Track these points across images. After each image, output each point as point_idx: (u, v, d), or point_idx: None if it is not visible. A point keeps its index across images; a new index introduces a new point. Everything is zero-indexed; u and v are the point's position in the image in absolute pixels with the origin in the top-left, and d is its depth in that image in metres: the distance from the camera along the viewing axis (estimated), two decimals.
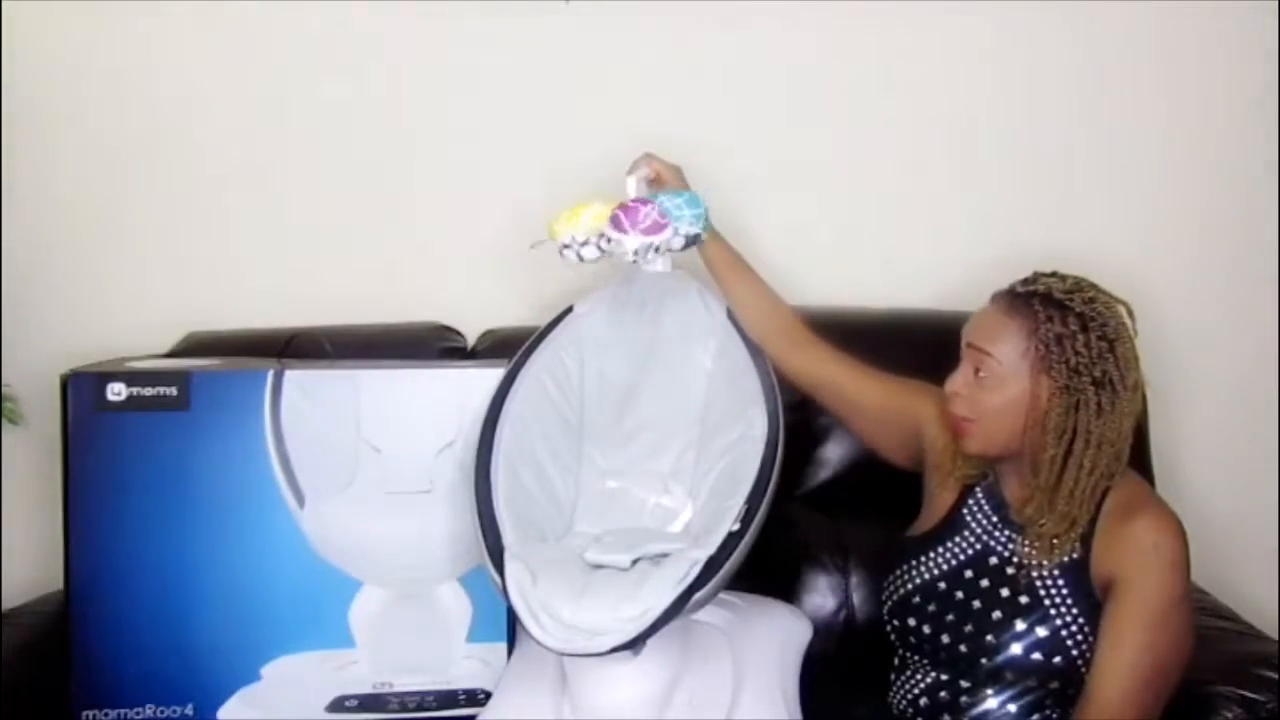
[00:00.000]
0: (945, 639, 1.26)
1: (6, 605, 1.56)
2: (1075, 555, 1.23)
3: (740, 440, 1.27)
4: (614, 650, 1.05)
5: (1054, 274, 1.26)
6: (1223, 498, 1.75)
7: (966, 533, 1.30)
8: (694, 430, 1.37)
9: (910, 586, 1.31)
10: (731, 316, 1.42)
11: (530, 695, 1.24)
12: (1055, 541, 1.22)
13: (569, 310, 1.45)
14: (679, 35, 1.75)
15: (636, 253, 1.27)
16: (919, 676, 1.31)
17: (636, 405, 1.40)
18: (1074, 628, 1.21)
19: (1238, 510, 1.76)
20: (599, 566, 1.17)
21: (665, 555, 1.16)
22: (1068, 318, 1.20)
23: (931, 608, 1.28)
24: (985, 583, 1.26)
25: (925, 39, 1.75)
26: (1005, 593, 1.25)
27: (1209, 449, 1.78)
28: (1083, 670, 1.20)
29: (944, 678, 1.28)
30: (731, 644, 1.29)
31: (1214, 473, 1.78)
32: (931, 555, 1.31)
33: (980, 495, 1.32)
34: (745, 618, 1.35)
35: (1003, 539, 1.28)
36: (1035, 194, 1.79)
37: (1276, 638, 1.47)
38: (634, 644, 1.06)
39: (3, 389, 1.64)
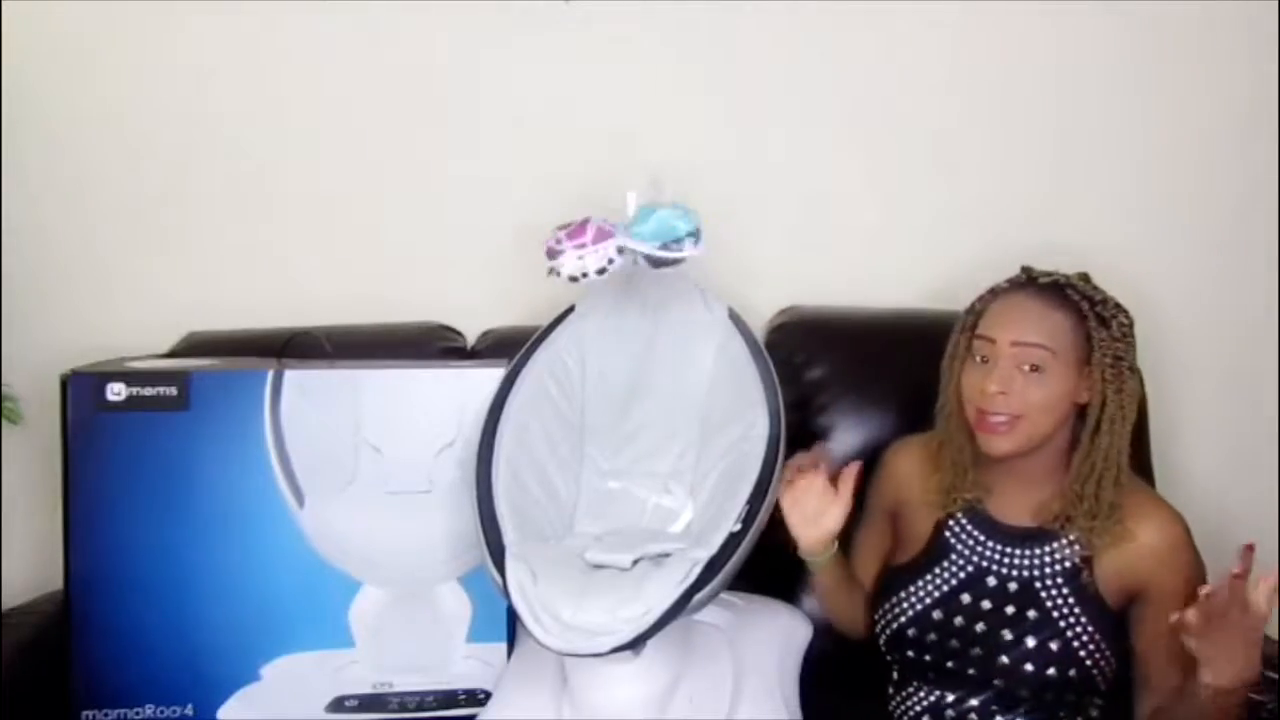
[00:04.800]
0: (951, 665, 1.25)
1: (6, 605, 1.56)
2: (1074, 561, 1.23)
3: (741, 440, 1.27)
4: (614, 650, 1.05)
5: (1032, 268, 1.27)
6: (1221, 495, 1.74)
7: (955, 556, 1.29)
8: (695, 430, 1.37)
9: (903, 620, 1.29)
10: (733, 315, 1.42)
11: (530, 695, 1.24)
12: (1096, 528, 1.21)
13: (570, 310, 1.45)
14: (679, 35, 1.75)
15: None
16: (921, 694, 1.30)
17: (637, 405, 1.40)
18: (1085, 637, 1.20)
19: (1237, 508, 1.75)
20: (600, 567, 1.16)
21: (666, 555, 1.15)
22: (1097, 306, 1.21)
23: (931, 637, 1.27)
24: (987, 604, 1.25)
25: (912, 36, 1.75)
26: (1011, 610, 1.23)
27: (1207, 446, 1.78)
28: (1097, 680, 1.19)
29: (949, 698, 1.26)
30: (731, 644, 1.29)
31: (1213, 470, 1.78)
32: (920, 584, 1.29)
33: (961, 518, 1.30)
34: (745, 618, 1.35)
35: (997, 556, 1.27)
36: (1022, 189, 1.78)
37: (1277, 638, 1.47)
38: (635, 644, 1.06)
39: (3, 389, 1.64)
